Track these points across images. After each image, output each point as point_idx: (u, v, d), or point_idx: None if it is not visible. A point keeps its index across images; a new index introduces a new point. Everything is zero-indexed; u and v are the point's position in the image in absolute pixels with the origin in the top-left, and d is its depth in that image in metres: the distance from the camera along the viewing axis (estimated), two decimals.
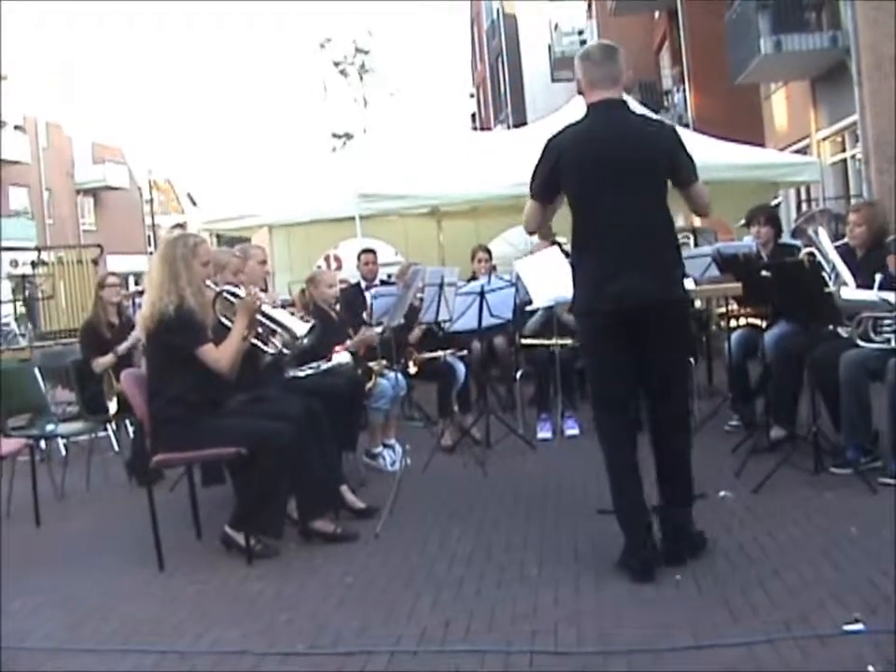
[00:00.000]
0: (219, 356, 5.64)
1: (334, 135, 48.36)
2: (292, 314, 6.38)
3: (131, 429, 8.67)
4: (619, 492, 4.90)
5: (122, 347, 8.56)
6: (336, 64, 49.76)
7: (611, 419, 4.96)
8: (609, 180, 4.74)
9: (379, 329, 7.76)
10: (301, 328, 6.01)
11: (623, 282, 4.69)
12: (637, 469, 4.88)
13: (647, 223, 4.80)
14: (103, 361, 8.46)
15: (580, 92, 5.01)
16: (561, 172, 4.86)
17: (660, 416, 4.99)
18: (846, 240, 6.84)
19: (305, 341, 6.06)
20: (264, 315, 5.95)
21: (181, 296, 5.59)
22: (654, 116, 6.97)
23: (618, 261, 4.74)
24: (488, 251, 10.24)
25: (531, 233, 5.43)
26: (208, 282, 5.82)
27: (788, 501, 5.81)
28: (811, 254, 6.45)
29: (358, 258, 11.12)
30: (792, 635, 3.89)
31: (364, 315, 8.82)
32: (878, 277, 6.21)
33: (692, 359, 8.40)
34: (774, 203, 9.40)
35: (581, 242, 4.91)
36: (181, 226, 13.47)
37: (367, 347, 7.74)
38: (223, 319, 5.92)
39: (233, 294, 5.95)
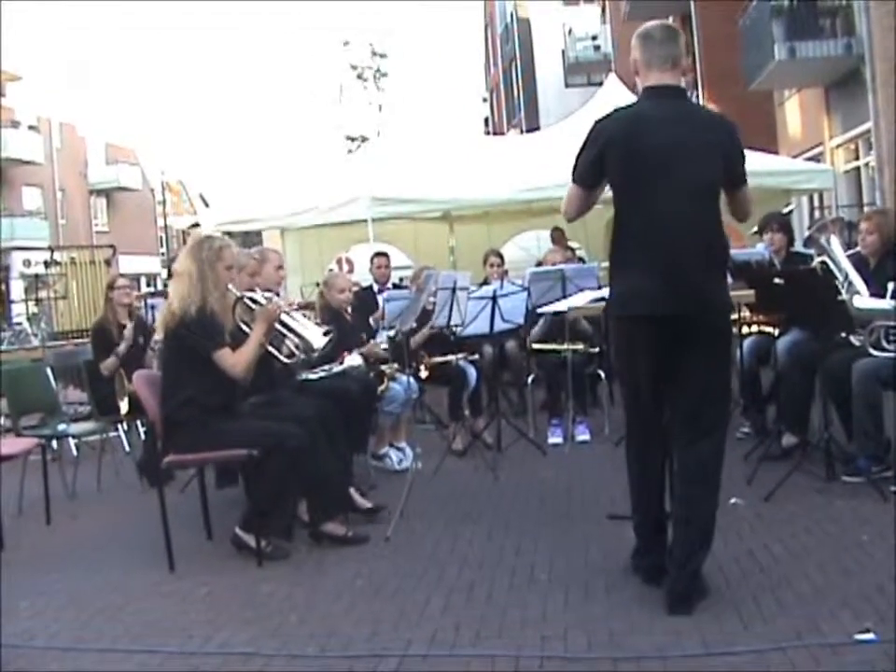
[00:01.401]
0: (235, 361, 5.64)
1: (348, 138, 48.32)
2: (306, 316, 6.39)
3: (142, 430, 8.69)
4: (637, 493, 4.75)
5: (122, 348, 8.57)
6: (353, 68, 49.76)
7: (640, 422, 4.71)
8: (657, 172, 4.38)
9: (392, 333, 7.77)
10: (318, 340, 6.02)
11: (665, 285, 4.38)
12: (661, 473, 4.68)
13: (695, 222, 4.43)
14: (108, 364, 8.49)
15: (635, 73, 4.64)
16: (607, 158, 4.47)
17: (691, 444, 4.53)
18: (858, 248, 6.84)
19: (323, 351, 6.08)
20: (283, 323, 5.96)
21: (203, 298, 5.60)
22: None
23: (661, 262, 4.40)
24: (500, 256, 10.22)
25: (570, 220, 5.07)
26: (230, 286, 5.83)
27: (799, 509, 5.80)
28: (824, 262, 6.45)
29: (371, 261, 11.12)
30: (803, 642, 3.89)
31: (371, 320, 8.82)
32: (891, 286, 6.20)
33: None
34: (786, 210, 9.34)
35: (622, 237, 4.54)
36: (198, 226, 13.42)
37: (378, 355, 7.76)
38: (242, 325, 5.93)
39: (254, 300, 5.96)
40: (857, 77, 17.56)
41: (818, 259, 6.61)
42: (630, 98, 4.66)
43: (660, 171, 4.39)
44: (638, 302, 4.48)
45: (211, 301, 5.63)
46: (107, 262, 14.11)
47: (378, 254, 11.23)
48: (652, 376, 4.58)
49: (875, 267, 6.63)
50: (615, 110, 4.63)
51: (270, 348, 6.00)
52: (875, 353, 6.19)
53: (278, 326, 5.96)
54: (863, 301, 6.18)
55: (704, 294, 4.45)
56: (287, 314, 6.06)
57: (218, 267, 5.71)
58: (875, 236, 6.68)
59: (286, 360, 6.11)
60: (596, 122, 4.61)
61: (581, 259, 12.16)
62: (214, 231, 9.01)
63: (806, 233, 7.34)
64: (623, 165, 4.46)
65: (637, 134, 4.44)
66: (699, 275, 4.42)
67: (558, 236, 13.73)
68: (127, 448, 9.00)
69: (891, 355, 6.13)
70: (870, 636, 3.90)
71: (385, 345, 7.93)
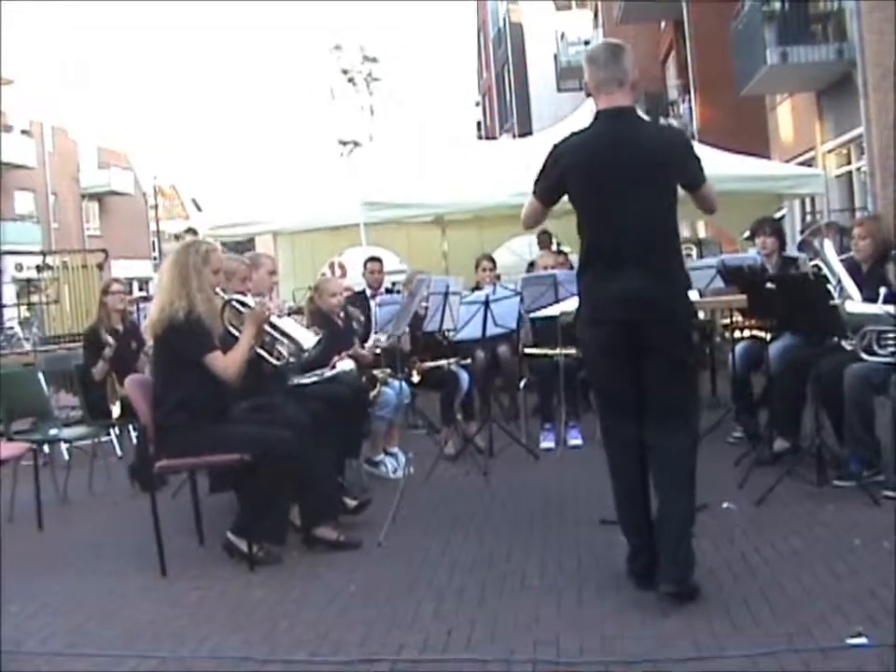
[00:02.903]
0: (227, 364, 5.64)
1: (341, 143, 48.34)
2: (297, 321, 6.39)
3: (134, 434, 8.68)
4: (621, 497, 4.85)
5: (107, 351, 8.55)
6: (344, 72, 49.80)
7: (616, 426, 4.88)
8: (613, 189, 4.68)
9: (384, 338, 7.77)
10: (308, 340, 6.03)
11: (625, 292, 4.64)
12: (642, 474, 4.79)
13: (651, 233, 4.71)
14: (99, 369, 8.48)
15: (588, 95, 4.99)
16: (566, 180, 4.81)
17: (661, 439, 4.75)
18: (851, 253, 6.85)
19: (312, 353, 6.07)
20: (272, 325, 5.97)
21: (191, 302, 5.60)
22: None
23: (620, 271, 4.67)
24: (492, 260, 10.23)
25: (527, 228, 5.44)
26: (218, 290, 5.83)
27: (790, 513, 5.81)
28: (816, 266, 6.46)
29: (365, 266, 11.12)
30: (794, 647, 3.89)
31: (355, 324, 8.82)
32: (883, 291, 6.21)
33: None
34: (778, 215, 9.37)
35: (585, 250, 4.87)
36: (193, 231, 13.38)
37: (367, 358, 7.76)
38: (231, 328, 5.93)
39: (242, 303, 5.96)
40: (848, 81, 17.59)
41: (810, 263, 6.63)
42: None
43: (616, 190, 4.67)
44: (602, 309, 4.75)
45: (199, 306, 5.63)
46: (100, 267, 14.09)
47: (371, 259, 11.23)
48: (620, 380, 4.80)
49: (868, 272, 6.64)
50: (572, 134, 4.92)
51: (260, 351, 6.00)
52: (866, 358, 6.19)
53: (268, 328, 5.96)
54: (855, 305, 6.19)
55: (661, 301, 4.69)
56: (278, 315, 6.07)
57: (205, 271, 5.72)
58: (867, 241, 6.70)
59: (276, 362, 6.11)
60: (556, 146, 4.92)
61: (572, 266, 12.16)
62: (205, 236, 9.00)
63: (799, 237, 7.35)
64: (583, 187, 4.79)
65: (593, 158, 4.74)
66: (656, 283, 4.68)
67: (545, 240, 13.77)
68: (119, 453, 8.99)
69: (883, 360, 6.14)
70: (861, 640, 3.90)
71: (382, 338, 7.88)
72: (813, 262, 6.56)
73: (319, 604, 4.88)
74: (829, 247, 6.47)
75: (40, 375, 8.61)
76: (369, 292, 10.67)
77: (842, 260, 6.55)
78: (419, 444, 8.48)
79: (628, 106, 4.84)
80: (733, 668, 3.79)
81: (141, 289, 48.42)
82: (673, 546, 4.53)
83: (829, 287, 6.19)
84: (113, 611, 5.00)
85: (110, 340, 8.57)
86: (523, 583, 4.98)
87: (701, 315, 8.88)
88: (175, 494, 7.12)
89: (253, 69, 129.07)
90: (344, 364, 7.26)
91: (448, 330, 8.17)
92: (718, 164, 12.07)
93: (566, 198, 4.93)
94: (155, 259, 55.19)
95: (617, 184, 4.67)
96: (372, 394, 7.42)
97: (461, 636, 4.33)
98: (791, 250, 8.26)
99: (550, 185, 4.91)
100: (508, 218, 14.11)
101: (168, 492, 7.14)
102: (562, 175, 4.82)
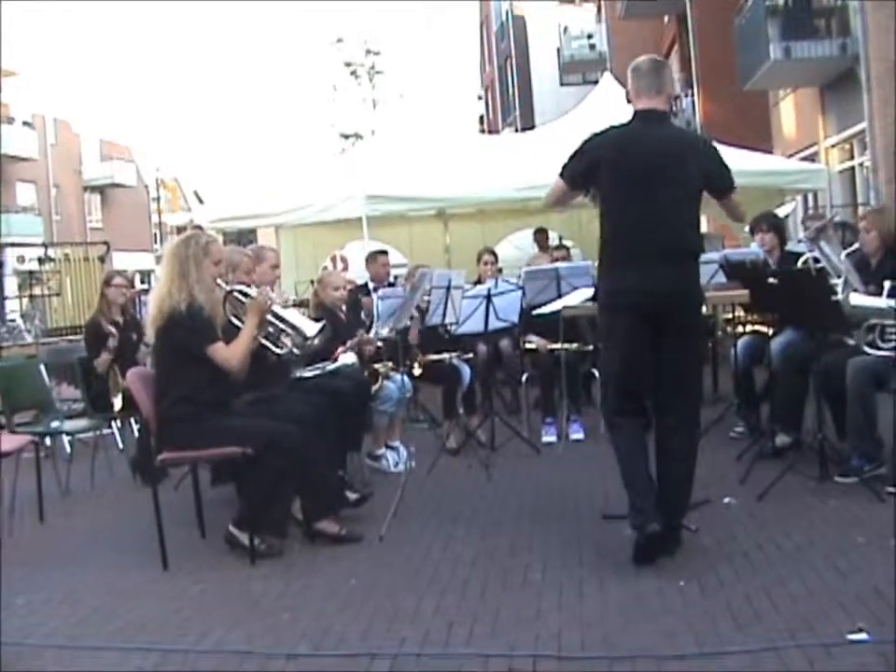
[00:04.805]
0: (229, 355, 5.64)
1: (342, 136, 48.25)
2: (303, 314, 6.39)
3: (136, 427, 8.67)
4: (628, 473, 5.07)
5: (111, 342, 8.50)
6: (347, 65, 49.70)
7: (624, 409, 5.17)
8: (642, 185, 5.03)
9: (385, 332, 7.75)
10: (310, 328, 6.03)
11: (648, 281, 4.99)
12: (647, 458, 5.07)
13: (674, 229, 5.08)
14: (102, 360, 8.46)
15: (629, 100, 5.34)
16: (598, 170, 5.15)
17: (667, 421, 5.12)
18: (856, 246, 6.81)
19: (315, 341, 6.06)
20: (274, 315, 5.96)
21: (191, 294, 5.60)
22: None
23: (644, 260, 5.03)
24: (494, 254, 10.23)
25: (548, 207, 5.90)
26: (219, 281, 5.82)
27: (792, 509, 5.80)
28: (816, 259, 6.45)
29: (375, 259, 11.05)
30: (797, 643, 3.89)
31: (362, 314, 8.81)
32: (887, 284, 6.19)
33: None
34: (784, 211, 9.31)
35: (609, 238, 5.20)
36: (198, 226, 13.29)
37: (371, 349, 7.74)
38: (233, 319, 5.93)
39: (244, 293, 5.96)
40: (852, 77, 17.55)
41: (808, 254, 6.63)
42: (624, 97, 5.44)
43: (643, 185, 5.05)
44: (624, 296, 5.10)
45: (200, 297, 5.63)
46: (101, 259, 14.08)
47: (380, 252, 11.14)
48: (637, 362, 5.12)
49: (876, 266, 6.61)
50: (610, 127, 5.27)
51: (264, 342, 5.99)
52: (869, 352, 6.19)
53: (270, 318, 5.96)
54: (859, 298, 6.18)
55: (682, 291, 5.12)
56: (281, 305, 6.06)
57: (206, 263, 5.72)
58: (873, 234, 6.66)
59: (279, 352, 6.09)
60: (594, 135, 5.29)
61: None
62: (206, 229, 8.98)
63: (802, 230, 7.33)
64: (612, 179, 5.15)
65: (626, 153, 5.13)
66: (677, 274, 5.07)
67: (542, 239, 13.77)
68: (121, 445, 8.99)
69: (885, 354, 6.13)
70: (863, 636, 3.90)
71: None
72: (812, 255, 6.55)
73: (321, 597, 4.88)
74: (833, 242, 6.46)
75: (42, 368, 8.61)
76: (371, 285, 10.64)
77: (850, 254, 6.53)
78: (421, 438, 8.47)
79: (663, 110, 5.27)
80: (735, 664, 3.79)
81: (143, 282, 48.43)
82: (673, 497, 5.03)
83: (831, 281, 6.18)
84: (114, 605, 4.99)
85: (114, 330, 8.55)
86: (524, 578, 4.97)
87: (703, 309, 8.87)
88: (177, 487, 7.12)
89: (255, 62, 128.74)
90: (347, 357, 7.25)
91: (450, 324, 8.16)
92: None
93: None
94: (157, 251, 55.17)
95: (646, 177, 5.03)
96: (374, 388, 7.41)
97: (463, 630, 4.32)
98: (793, 245, 8.23)
99: (579, 170, 5.25)
100: (510, 212, 14.18)
101: (170, 485, 7.15)
102: (593, 165, 5.17)
